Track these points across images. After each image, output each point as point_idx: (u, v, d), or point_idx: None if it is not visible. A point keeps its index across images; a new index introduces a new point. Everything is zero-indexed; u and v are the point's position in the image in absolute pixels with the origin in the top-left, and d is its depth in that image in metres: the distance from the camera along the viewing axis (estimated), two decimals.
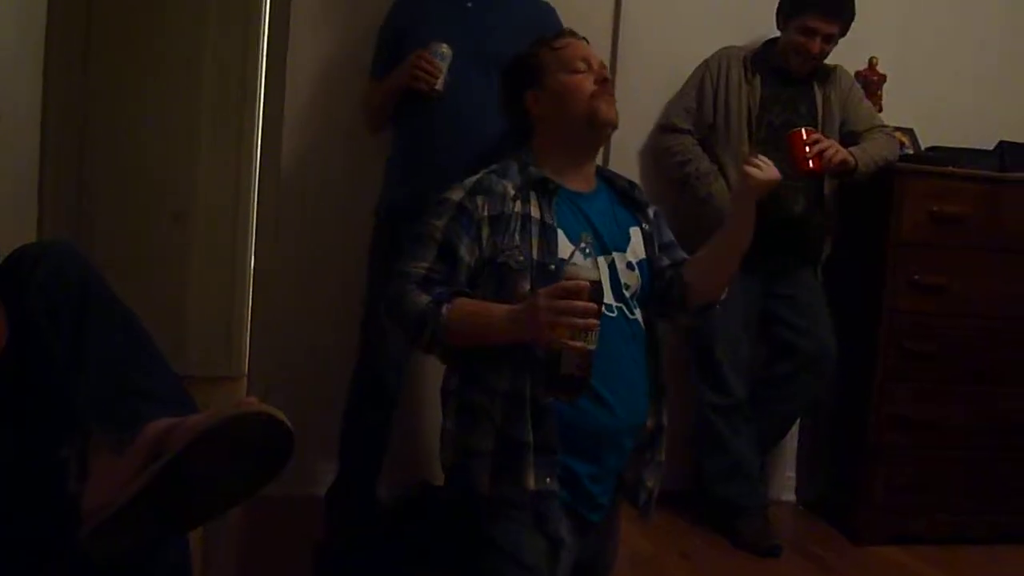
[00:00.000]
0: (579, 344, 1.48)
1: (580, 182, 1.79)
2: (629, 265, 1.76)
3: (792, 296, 2.75)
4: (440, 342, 1.61)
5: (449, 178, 1.80)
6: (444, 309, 1.59)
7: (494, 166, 1.77)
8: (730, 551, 2.60)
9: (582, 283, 1.48)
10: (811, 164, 2.43)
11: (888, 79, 2.95)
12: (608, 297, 1.67)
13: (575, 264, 1.52)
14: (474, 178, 1.73)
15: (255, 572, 2.27)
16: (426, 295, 1.62)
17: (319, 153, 2.71)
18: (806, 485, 3.05)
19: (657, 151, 2.86)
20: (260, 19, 4.30)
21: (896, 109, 2.93)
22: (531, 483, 1.61)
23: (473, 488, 1.65)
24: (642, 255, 1.80)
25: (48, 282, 1.21)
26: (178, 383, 1.26)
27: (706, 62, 2.78)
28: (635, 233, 1.82)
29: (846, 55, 2.73)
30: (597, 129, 1.78)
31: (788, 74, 2.71)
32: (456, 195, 1.70)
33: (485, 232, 1.67)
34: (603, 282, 1.64)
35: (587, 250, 1.53)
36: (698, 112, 2.75)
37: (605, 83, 1.79)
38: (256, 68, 4.33)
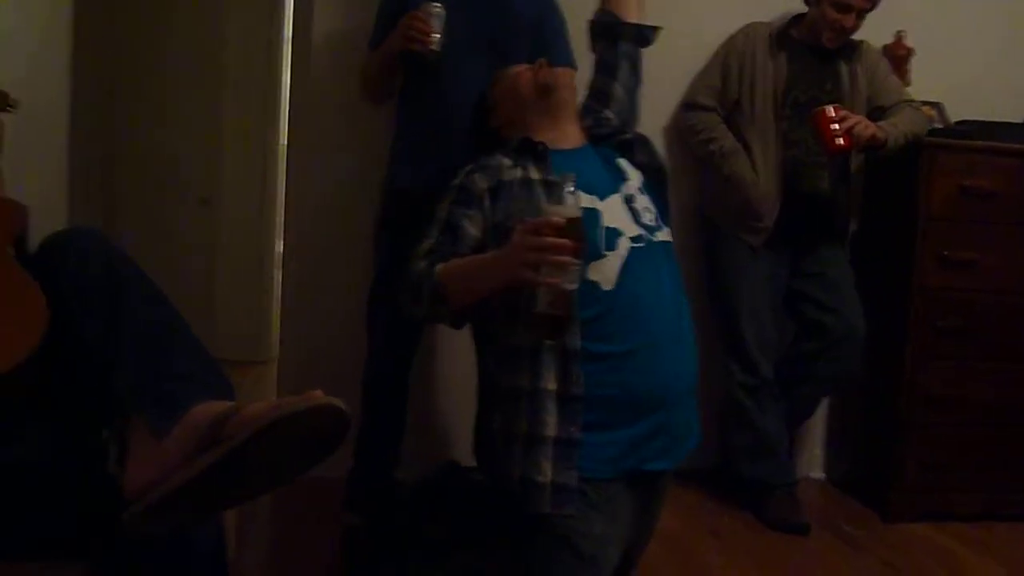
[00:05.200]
0: (553, 280, 1.47)
1: (565, 143, 1.89)
2: (640, 190, 1.84)
3: (820, 274, 2.73)
4: (440, 300, 1.67)
5: (450, 157, 1.94)
6: (438, 267, 1.67)
7: (482, 157, 1.88)
8: (759, 529, 2.60)
9: (554, 219, 1.48)
10: (841, 142, 2.41)
11: (916, 53, 2.91)
12: (632, 230, 1.74)
13: (556, 205, 1.52)
14: (471, 165, 1.85)
15: (288, 550, 2.30)
16: (424, 262, 1.71)
17: (347, 136, 2.71)
18: (835, 462, 3.04)
19: (681, 128, 2.85)
20: (284, 3, 4.31)
21: (924, 83, 2.89)
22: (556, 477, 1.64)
23: (531, 478, 1.66)
24: (639, 178, 1.87)
25: (78, 268, 1.23)
26: (213, 361, 1.27)
27: (731, 38, 2.75)
28: (622, 162, 1.89)
29: (873, 29, 2.70)
30: (548, 94, 1.92)
31: (814, 50, 2.68)
32: (457, 180, 1.83)
33: (487, 203, 1.77)
34: (620, 216, 1.73)
35: (570, 188, 1.53)
36: (723, 89, 2.73)
37: (534, 64, 1.97)
38: (281, 51, 4.36)
